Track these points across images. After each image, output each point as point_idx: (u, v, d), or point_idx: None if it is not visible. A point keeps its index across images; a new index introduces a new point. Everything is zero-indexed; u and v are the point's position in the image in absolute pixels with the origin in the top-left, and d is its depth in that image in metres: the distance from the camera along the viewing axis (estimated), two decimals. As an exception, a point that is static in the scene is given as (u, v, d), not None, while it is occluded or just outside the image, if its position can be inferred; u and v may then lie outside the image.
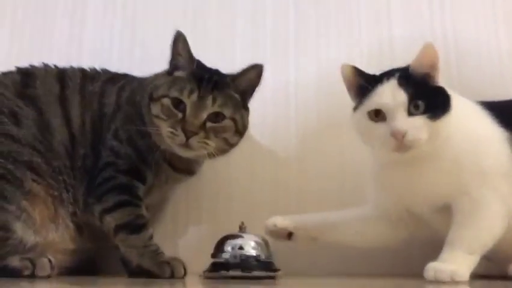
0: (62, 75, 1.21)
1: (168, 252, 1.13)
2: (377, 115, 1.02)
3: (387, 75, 1.04)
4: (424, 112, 0.99)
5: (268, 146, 1.38)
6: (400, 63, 1.14)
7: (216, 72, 1.17)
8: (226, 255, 1.07)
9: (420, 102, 0.99)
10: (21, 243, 1.05)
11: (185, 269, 1.09)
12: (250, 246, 1.08)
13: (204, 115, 1.10)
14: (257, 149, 1.37)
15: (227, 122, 1.12)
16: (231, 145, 1.15)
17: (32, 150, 1.11)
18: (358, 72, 1.07)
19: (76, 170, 1.14)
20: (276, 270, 1.09)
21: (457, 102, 1.03)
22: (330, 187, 1.33)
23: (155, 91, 1.14)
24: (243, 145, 1.20)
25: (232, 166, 1.34)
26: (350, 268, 1.20)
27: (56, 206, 1.11)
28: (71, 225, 1.13)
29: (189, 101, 1.10)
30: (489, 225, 1.00)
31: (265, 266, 1.07)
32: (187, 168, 1.21)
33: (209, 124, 1.10)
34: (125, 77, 1.26)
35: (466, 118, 1.04)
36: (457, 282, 0.95)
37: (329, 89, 1.37)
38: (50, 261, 1.04)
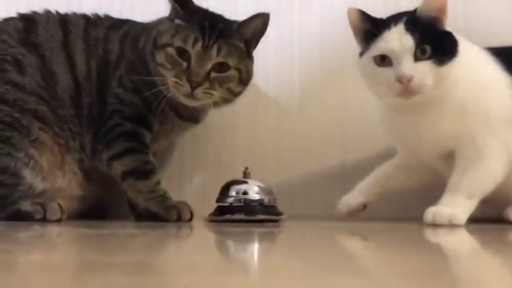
0: (64, 21, 1.20)
1: (174, 197, 1.15)
2: (383, 60, 1.01)
3: (394, 19, 1.02)
4: (431, 57, 0.98)
5: (272, 94, 1.39)
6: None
7: (221, 18, 1.15)
8: (230, 200, 1.10)
9: (427, 47, 0.98)
10: (31, 189, 1.08)
11: (191, 213, 1.12)
12: (254, 191, 1.10)
13: (209, 65, 1.09)
14: (261, 97, 1.37)
15: (231, 72, 1.11)
16: (235, 94, 1.15)
17: (37, 98, 1.12)
18: (364, 17, 1.05)
19: (81, 118, 1.15)
20: (279, 214, 1.12)
21: (464, 47, 1.02)
22: (332, 134, 1.34)
23: (159, 38, 1.12)
24: (247, 93, 1.20)
25: (236, 114, 1.35)
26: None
27: (63, 154, 1.13)
28: (78, 172, 1.15)
29: (194, 50, 1.08)
30: (490, 171, 1.02)
31: (268, 210, 1.10)
32: (192, 117, 1.21)
33: (213, 74, 1.09)
34: (127, 22, 1.24)
35: (472, 63, 1.03)
36: (454, 226, 0.98)
37: (333, 37, 1.36)
38: (60, 205, 1.07)
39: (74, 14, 1.22)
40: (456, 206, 1.00)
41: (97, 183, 1.19)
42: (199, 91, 1.08)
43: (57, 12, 1.22)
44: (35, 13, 1.20)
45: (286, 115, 1.37)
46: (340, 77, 1.34)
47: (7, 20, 1.19)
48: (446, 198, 1.01)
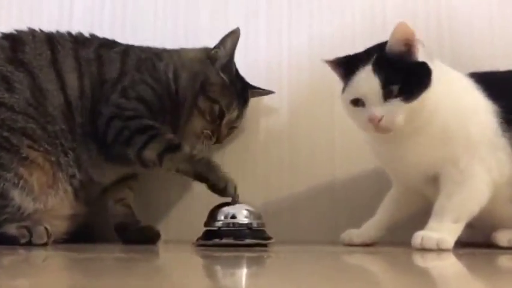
0: (51, 39, 1.21)
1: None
2: (356, 102, 1.05)
3: (365, 58, 1.04)
4: (399, 95, 1.00)
5: (261, 118, 1.40)
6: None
7: (244, 82, 1.31)
8: (219, 224, 1.10)
9: (393, 87, 1.00)
10: (19, 210, 1.07)
11: (235, 188, 1.12)
12: (242, 215, 1.10)
13: (230, 126, 1.29)
14: (250, 120, 1.38)
15: (235, 130, 1.33)
16: None
17: (26, 116, 1.11)
18: (338, 63, 1.10)
19: (75, 134, 1.15)
20: (268, 238, 1.11)
21: (445, 74, 1.04)
22: (321, 157, 1.35)
23: (209, 88, 1.25)
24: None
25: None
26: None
27: (55, 171, 1.12)
28: (69, 188, 1.15)
29: (229, 115, 1.28)
30: (475, 194, 1.03)
31: (257, 234, 1.10)
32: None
33: (229, 131, 1.30)
34: (117, 43, 1.26)
35: (454, 90, 1.05)
36: (442, 250, 0.98)
37: (321, 56, 1.37)
38: (46, 229, 1.06)
39: (59, 33, 1.23)
40: (443, 230, 1.00)
41: (86, 201, 1.19)
42: (218, 143, 1.29)
43: (42, 31, 1.23)
44: (19, 32, 1.21)
45: (275, 138, 1.38)
46: (328, 99, 1.35)
47: None
48: (433, 223, 1.02)
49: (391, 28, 1.07)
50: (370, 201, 1.21)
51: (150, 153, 1.13)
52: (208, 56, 1.28)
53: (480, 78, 1.09)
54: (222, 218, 1.10)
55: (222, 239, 1.08)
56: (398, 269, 0.83)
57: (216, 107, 1.26)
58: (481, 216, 1.03)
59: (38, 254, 0.96)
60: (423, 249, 0.99)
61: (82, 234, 1.20)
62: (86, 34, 1.26)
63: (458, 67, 1.11)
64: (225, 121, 1.27)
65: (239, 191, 1.13)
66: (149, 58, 1.24)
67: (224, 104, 1.26)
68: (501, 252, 1.02)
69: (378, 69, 1.02)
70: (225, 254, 0.97)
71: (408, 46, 1.02)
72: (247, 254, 0.97)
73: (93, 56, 1.21)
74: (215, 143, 1.28)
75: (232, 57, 1.28)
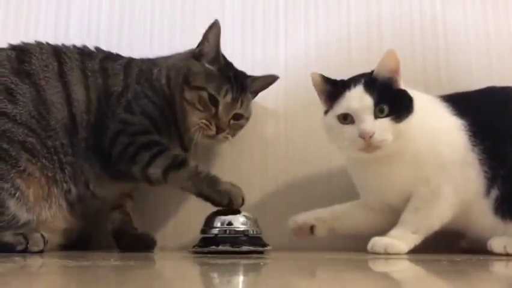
0: (57, 51, 1.21)
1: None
2: (346, 118, 1.09)
3: (353, 81, 1.10)
4: (388, 115, 1.06)
5: (258, 126, 1.40)
6: (388, 41, 1.15)
7: (239, 72, 1.28)
8: (215, 231, 1.10)
9: (384, 106, 1.06)
10: (14, 219, 1.06)
11: (243, 199, 1.12)
12: (239, 222, 1.10)
13: (231, 114, 1.25)
14: (246, 130, 1.38)
15: (243, 121, 1.29)
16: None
17: (27, 130, 1.11)
18: (326, 80, 1.14)
19: (77, 148, 1.15)
20: (264, 245, 1.11)
21: (417, 99, 1.09)
22: (318, 164, 1.36)
23: (192, 78, 1.23)
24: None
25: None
26: (336, 244, 1.23)
27: (50, 186, 1.12)
28: (64, 204, 1.14)
29: (223, 100, 1.23)
30: (438, 213, 1.09)
31: (254, 241, 1.10)
32: (190, 147, 1.25)
33: (232, 122, 1.26)
34: (121, 57, 1.28)
35: (424, 114, 1.10)
36: (395, 255, 1.06)
37: (317, 65, 1.39)
38: (43, 236, 1.06)
39: (66, 46, 1.24)
40: (401, 238, 1.08)
41: (81, 215, 1.18)
42: (221, 135, 1.24)
43: (49, 44, 1.23)
44: (26, 44, 1.21)
45: (271, 146, 1.38)
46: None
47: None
48: (395, 231, 1.09)
49: (386, 41, 1.09)
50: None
51: (155, 171, 1.13)
52: (193, 55, 1.27)
53: (448, 98, 1.14)
54: (219, 224, 1.10)
55: (218, 246, 1.08)
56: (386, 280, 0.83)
57: (204, 93, 1.22)
58: (468, 228, 1.11)
59: (34, 261, 0.96)
60: (383, 254, 1.06)
61: (77, 244, 1.20)
62: (91, 47, 1.26)
63: (455, 80, 1.13)
64: (221, 107, 1.23)
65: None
66: (148, 68, 1.25)
67: (211, 88, 1.22)
68: (496, 259, 1.03)
69: (369, 89, 1.07)
70: (222, 261, 0.97)
71: (394, 73, 1.08)
72: (243, 261, 0.97)
73: (98, 67, 1.22)
74: (218, 132, 1.22)
75: (218, 49, 1.25)
